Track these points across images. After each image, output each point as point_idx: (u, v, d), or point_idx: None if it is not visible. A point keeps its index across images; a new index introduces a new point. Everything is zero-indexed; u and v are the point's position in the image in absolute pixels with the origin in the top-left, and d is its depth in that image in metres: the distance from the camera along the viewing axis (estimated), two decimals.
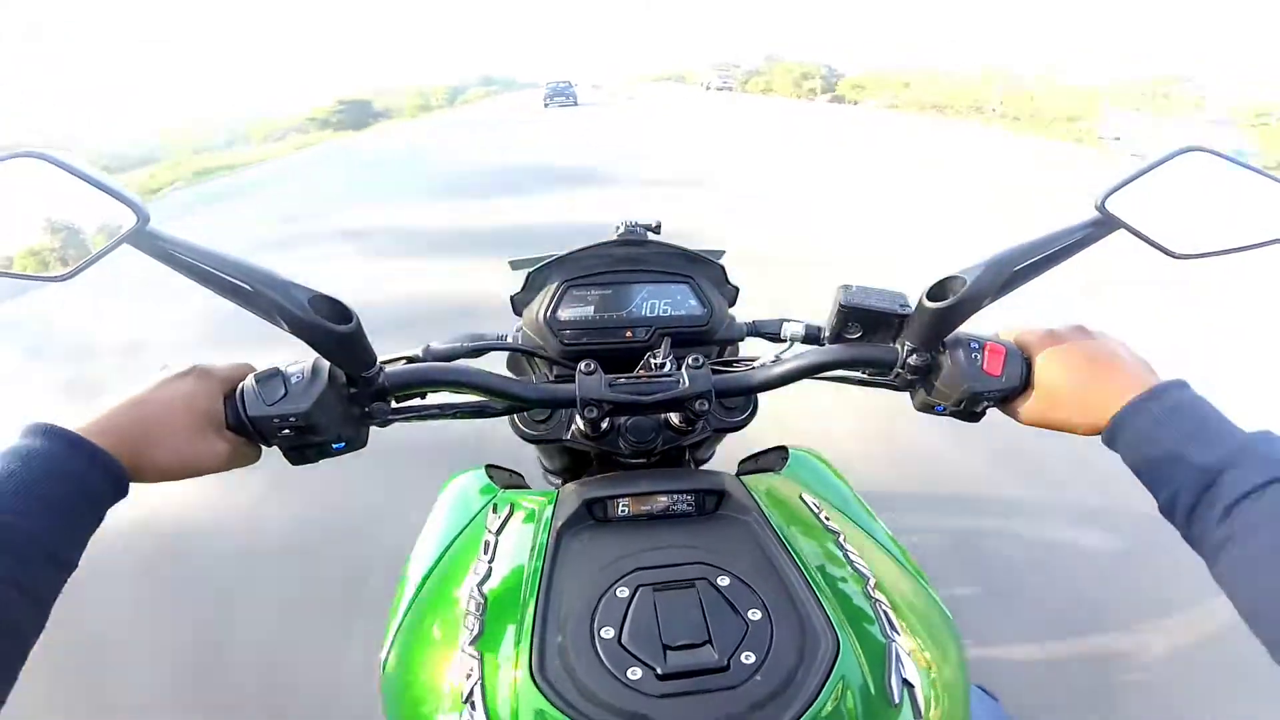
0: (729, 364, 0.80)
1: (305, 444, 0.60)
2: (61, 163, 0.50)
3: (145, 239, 0.53)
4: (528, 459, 1.06)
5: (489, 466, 0.84)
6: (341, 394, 0.61)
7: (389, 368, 0.65)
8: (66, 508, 0.45)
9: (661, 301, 0.85)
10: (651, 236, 0.90)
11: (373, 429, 0.67)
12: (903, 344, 0.63)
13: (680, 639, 0.51)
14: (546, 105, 29.17)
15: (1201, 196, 0.60)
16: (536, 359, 0.87)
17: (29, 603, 0.42)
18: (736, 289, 0.90)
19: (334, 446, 0.62)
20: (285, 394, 0.57)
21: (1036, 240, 0.59)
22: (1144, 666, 1.62)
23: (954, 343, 0.61)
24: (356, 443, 0.64)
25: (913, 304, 0.63)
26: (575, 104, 29.72)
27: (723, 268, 0.88)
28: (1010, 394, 0.61)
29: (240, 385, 0.59)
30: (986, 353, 0.60)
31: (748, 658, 0.50)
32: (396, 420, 0.67)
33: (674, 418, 0.77)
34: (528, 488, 0.87)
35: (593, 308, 0.84)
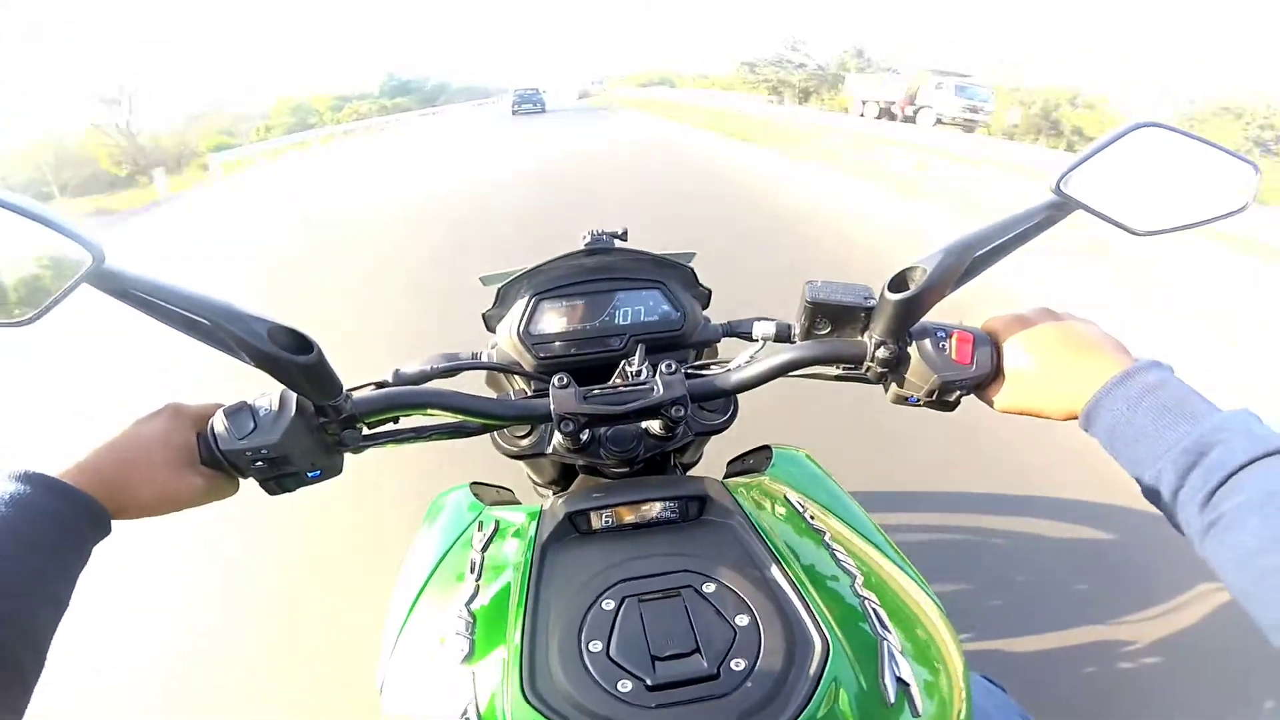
0: (704, 367, 0.80)
1: (280, 474, 0.60)
2: (9, 203, 0.50)
3: (102, 277, 0.52)
4: (517, 473, 1.06)
5: (474, 484, 0.84)
6: (311, 423, 0.60)
7: (356, 394, 0.64)
8: (53, 548, 0.46)
9: (634, 308, 0.85)
10: (619, 244, 0.90)
11: (348, 455, 0.66)
12: (870, 337, 0.63)
13: (668, 649, 0.51)
14: (515, 112, 29.78)
15: (1158, 172, 0.60)
16: (514, 375, 0.86)
17: (28, 643, 0.43)
18: (709, 291, 0.91)
19: (309, 475, 0.62)
20: (255, 427, 0.57)
21: (995, 225, 0.59)
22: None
23: (920, 332, 0.61)
24: (331, 471, 0.63)
25: (877, 296, 0.63)
26: (543, 110, 30.29)
27: (693, 270, 0.88)
28: (982, 381, 0.60)
29: (210, 421, 0.58)
30: (955, 341, 0.60)
31: (737, 664, 0.50)
32: (370, 446, 0.67)
33: (654, 425, 0.77)
34: (516, 502, 0.86)
35: (566, 319, 0.84)
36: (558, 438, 0.76)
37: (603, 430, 0.76)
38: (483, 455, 0.91)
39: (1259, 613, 0.42)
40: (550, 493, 1.03)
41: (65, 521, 0.48)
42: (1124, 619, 1.71)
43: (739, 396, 0.81)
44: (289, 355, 0.54)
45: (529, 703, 0.49)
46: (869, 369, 0.64)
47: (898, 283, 0.59)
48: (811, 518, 0.69)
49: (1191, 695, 1.52)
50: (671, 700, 0.48)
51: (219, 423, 0.58)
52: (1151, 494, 0.49)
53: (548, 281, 0.85)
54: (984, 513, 2.08)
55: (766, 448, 0.84)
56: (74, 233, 0.51)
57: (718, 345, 0.92)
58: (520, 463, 0.92)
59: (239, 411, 0.58)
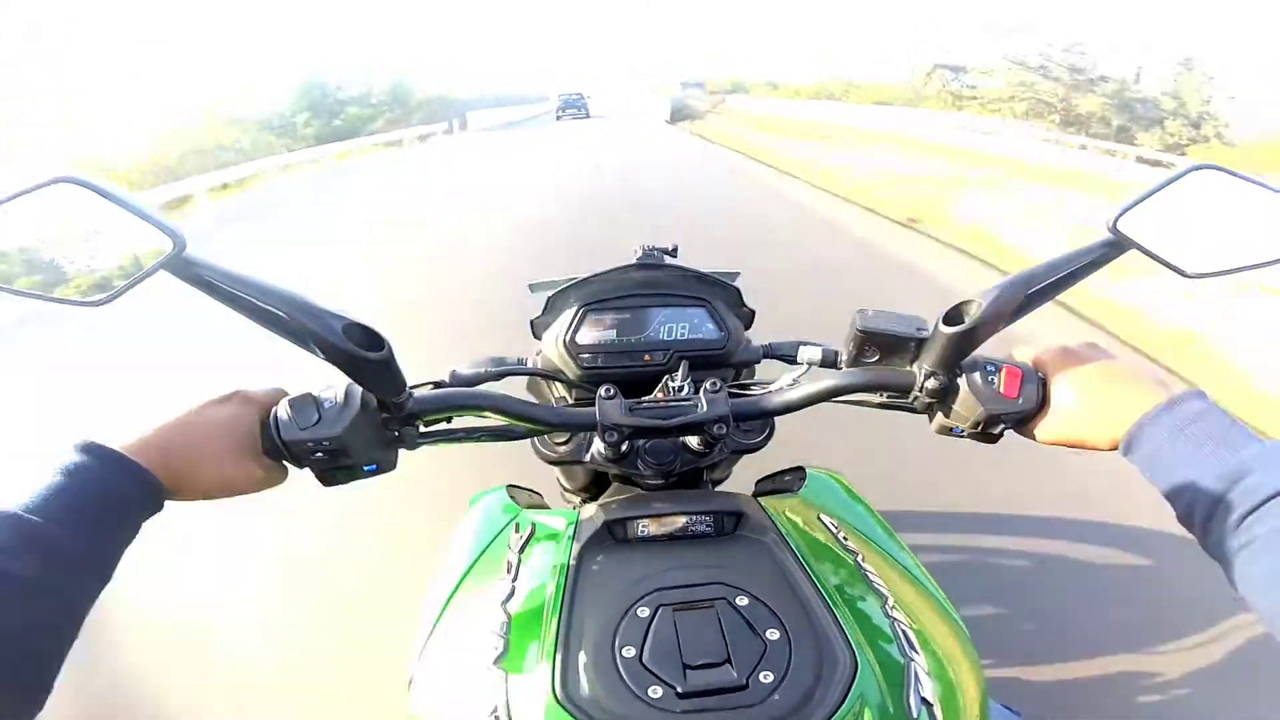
0: (745, 387, 0.81)
1: (337, 467, 0.61)
2: (98, 188, 0.52)
3: (181, 265, 0.54)
4: (546, 478, 1.07)
5: (510, 486, 0.85)
6: (373, 419, 0.62)
7: (417, 392, 0.66)
8: (107, 522, 0.47)
9: (679, 325, 0.86)
10: (669, 260, 0.92)
11: (401, 452, 0.67)
12: (920, 368, 0.64)
13: (700, 658, 0.52)
14: (559, 118, 29.90)
15: (1212, 215, 0.60)
16: (556, 382, 0.88)
17: (68, 612, 0.43)
18: (752, 312, 0.92)
19: (365, 469, 0.63)
20: (319, 419, 0.58)
21: (1050, 262, 0.60)
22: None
23: (970, 366, 0.62)
24: (386, 465, 0.65)
25: (929, 328, 0.64)
26: (587, 115, 30.02)
27: (738, 290, 0.89)
28: (1027, 415, 0.61)
29: (274, 410, 0.60)
30: (1003, 375, 0.61)
31: (766, 677, 0.50)
32: (425, 444, 0.69)
33: (692, 440, 0.78)
34: (547, 507, 0.87)
35: (612, 331, 0.86)
36: (598, 446, 0.77)
37: (642, 442, 0.77)
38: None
39: None
40: (579, 499, 1.04)
41: (122, 495, 0.48)
42: (1160, 649, 1.68)
43: (775, 420, 0.82)
44: (363, 352, 0.56)
45: (560, 705, 0.50)
46: (916, 399, 0.65)
47: (952, 316, 0.60)
48: (844, 539, 0.69)
49: None
50: (700, 708, 0.49)
51: (283, 411, 0.59)
52: (1185, 517, 0.50)
53: (596, 293, 0.87)
54: (1017, 535, 2.07)
55: (800, 469, 0.84)
56: (157, 220, 0.53)
57: (756, 367, 0.93)
58: (551, 467, 0.94)
59: (304, 403, 0.59)
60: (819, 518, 0.73)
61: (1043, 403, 0.61)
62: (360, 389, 0.61)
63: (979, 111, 18.93)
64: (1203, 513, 0.48)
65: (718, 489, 0.95)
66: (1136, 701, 1.57)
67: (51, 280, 0.58)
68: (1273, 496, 0.44)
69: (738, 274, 0.95)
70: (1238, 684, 1.59)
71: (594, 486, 0.99)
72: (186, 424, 0.55)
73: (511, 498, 0.82)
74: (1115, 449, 0.56)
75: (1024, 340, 0.66)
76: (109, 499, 0.47)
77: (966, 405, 0.62)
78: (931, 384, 0.62)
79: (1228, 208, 0.60)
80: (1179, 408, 0.52)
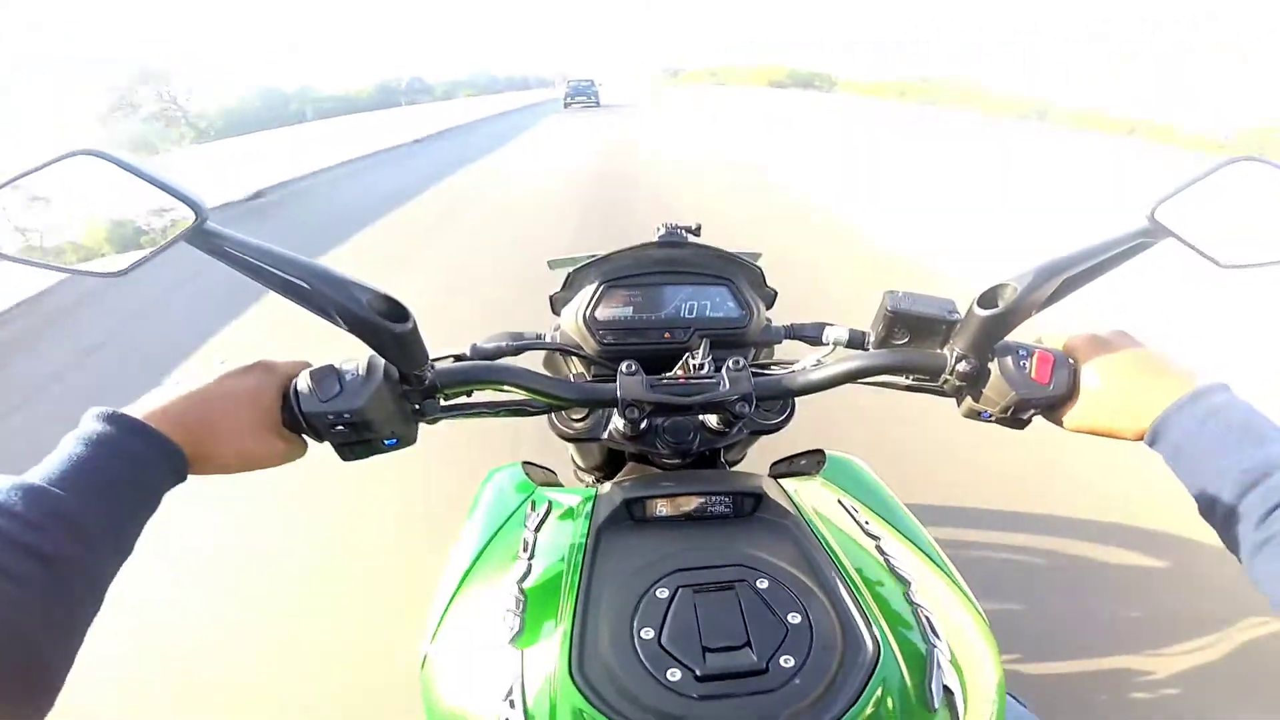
0: (765, 366, 0.81)
1: (358, 440, 0.61)
2: (120, 160, 0.51)
3: (203, 236, 0.53)
4: (559, 458, 1.07)
5: (525, 463, 0.85)
6: (395, 391, 0.61)
7: (439, 365, 0.66)
8: (129, 493, 0.47)
9: (700, 303, 0.85)
10: (691, 238, 0.91)
11: (422, 426, 0.67)
12: (951, 350, 0.63)
13: (719, 641, 0.51)
14: (567, 105, 28.44)
15: (1251, 206, 0.60)
16: (574, 358, 0.88)
17: (89, 583, 0.43)
18: (774, 292, 0.91)
19: (385, 443, 0.62)
20: (340, 391, 0.58)
21: (1086, 249, 0.59)
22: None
23: (1003, 350, 0.61)
24: (407, 439, 0.64)
25: (961, 310, 0.63)
26: (597, 104, 28.46)
27: (761, 270, 0.88)
28: (1056, 402, 0.61)
29: (294, 381, 0.59)
30: (1036, 360, 0.60)
31: (787, 661, 0.50)
32: (445, 417, 0.68)
33: (712, 419, 0.77)
34: (561, 485, 0.87)
35: (632, 308, 0.85)
36: (617, 423, 0.77)
37: (661, 420, 0.77)
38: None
39: None
40: (593, 478, 1.04)
41: (145, 465, 0.48)
42: (1172, 649, 1.69)
43: (796, 400, 0.82)
44: (386, 323, 0.55)
45: (575, 685, 0.49)
46: (946, 382, 0.64)
47: (987, 299, 0.59)
48: (865, 523, 0.69)
49: None
50: (719, 692, 0.48)
51: (303, 383, 0.58)
52: (1207, 510, 0.50)
53: (617, 270, 0.86)
54: (1036, 533, 2.06)
55: (819, 451, 0.84)
56: (179, 191, 0.52)
57: (775, 347, 0.92)
58: (565, 445, 0.94)
59: (325, 374, 0.59)
60: (840, 501, 0.73)
61: (1073, 390, 0.60)
62: (383, 361, 0.60)
63: None
64: (1224, 507, 0.48)
65: (735, 470, 0.95)
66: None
67: (74, 251, 0.58)
68: None
69: (760, 254, 0.94)
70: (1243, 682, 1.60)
71: (609, 465, 0.99)
72: (209, 394, 0.54)
73: (527, 474, 0.82)
74: (1141, 439, 0.56)
75: (1053, 326, 0.66)
76: (131, 469, 0.47)
77: (997, 389, 0.61)
78: (963, 367, 0.62)
79: (1266, 200, 0.60)
80: (1204, 399, 0.52)
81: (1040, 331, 0.66)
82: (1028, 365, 0.60)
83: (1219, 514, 0.49)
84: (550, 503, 0.74)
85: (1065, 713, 1.52)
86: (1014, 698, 0.79)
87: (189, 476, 0.53)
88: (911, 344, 0.68)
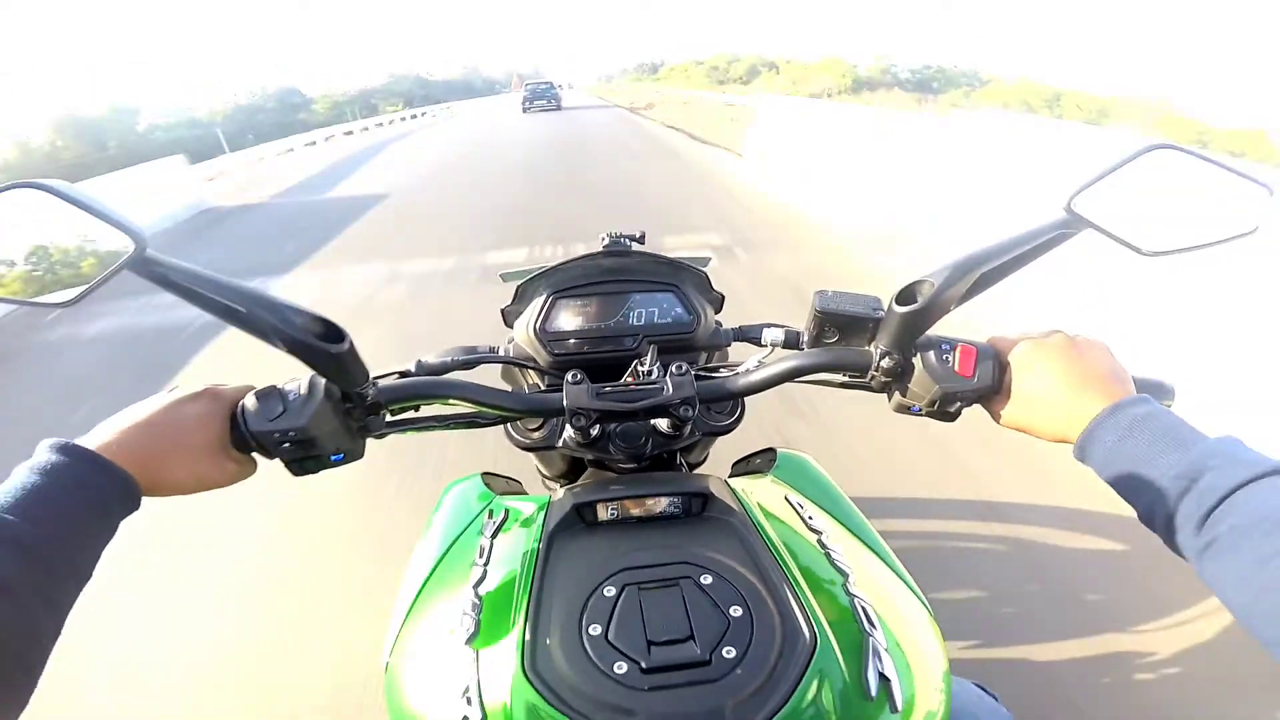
0: (715, 369, 0.82)
1: (305, 456, 0.63)
2: (61, 192, 0.52)
3: (145, 264, 0.55)
4: (527, 466, 1.09)
5: (485, 474, 0.87)
6: (337, 409, 0.63)
7: (381, 382, 0.67)
8: (83, 520, 0.48)
9: (648, 310, 0.87)
10: (636, 247, 0.92)
11: (370, 440, 0.69)
12: (876, 347, 0.65)
13: (664, 635, 0.53)
14: (525, 110, 27.23)
15: (1169, 193, 0.60)
16: (528, 370, 0.89)
17: (49, 610, 0.44)
18: (722, 296, 0.92)
19: (332, 458, 0.64)
20: (284, 410, 0.60)
21: (1004, 242, 0.60)
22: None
23: (925, 345, 0.63)
24: (354, 454, 0.66)
25: (885, 308, 0.64)
26: (559, 108, 27.45)
27: (707, 276, 0.90)
28: (985, 394, 0.62)
29: (241, 403, 0.61)
30: (958, 354, 0.62)
31: (729, 652, 0.52)
32: (391, 432, 0.70)
33: (662, 423, 0.79)
34: (524, 493, 0.89)
35: (581, 318, 0.86)
36: (569, 432, 0.78)
37: (613, 426, 0.78)
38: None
39: (1259, 630, 0.43)
40: (558, 485, 1.05)
41: (97, 494, 0.49)
42: (1134, 630, 1.70)
43: (745, 400, 0.83)
44: (322, 344, 0.57)
45: (529, 682, 0.51)
46: (873, 378, 0.66)
47: (905, 296, 0.61)
48: (810, 518, 0.70)
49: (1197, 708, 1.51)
50: (665, 684, 0.50)
51: (250, 403, 0.61)
52: (1148, 519, 0.51)
53: (565, 280, 0.87)
54: (995, 520, 2.08)
55: (771, 450, 0.86)
56: (119, 220, 0.53)
57: (728, 349, 0.94)
58: (530, 455, 0.95)
59: (269, 395, 0.61)
60: (786, 498, 0.75)
61: (1000, 384, 0.62)
62: (324, 380, 0.62)
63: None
64: (1163, 514, 0.48)
65: (695, 471, 0.97)
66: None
67: (20, 284, 0.60)
68: (1229, 494, 0.45)
69: (708, 259, 0.96)
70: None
71: (571, 473, 1.00)
72: (159, 422, 0.57)
73: (487, 485, 0.84)
74: (1066, 443, 0.57)
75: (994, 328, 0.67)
76: (85, 498, 0.48)
77: (922, 384, 0.63)
78: (887, 363, 0.63)
79: (1183, 185, 0.60)
80: (1124, 411, 0.53)
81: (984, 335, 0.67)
82: (950, 359, 0.62)
83: (1158, 522, 0.49)
84: (507, 510, 0.75)
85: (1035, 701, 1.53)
86: (982, 688, 0.80)
87: (143, 500, 0.54)
88: (841, 342, 0.69)
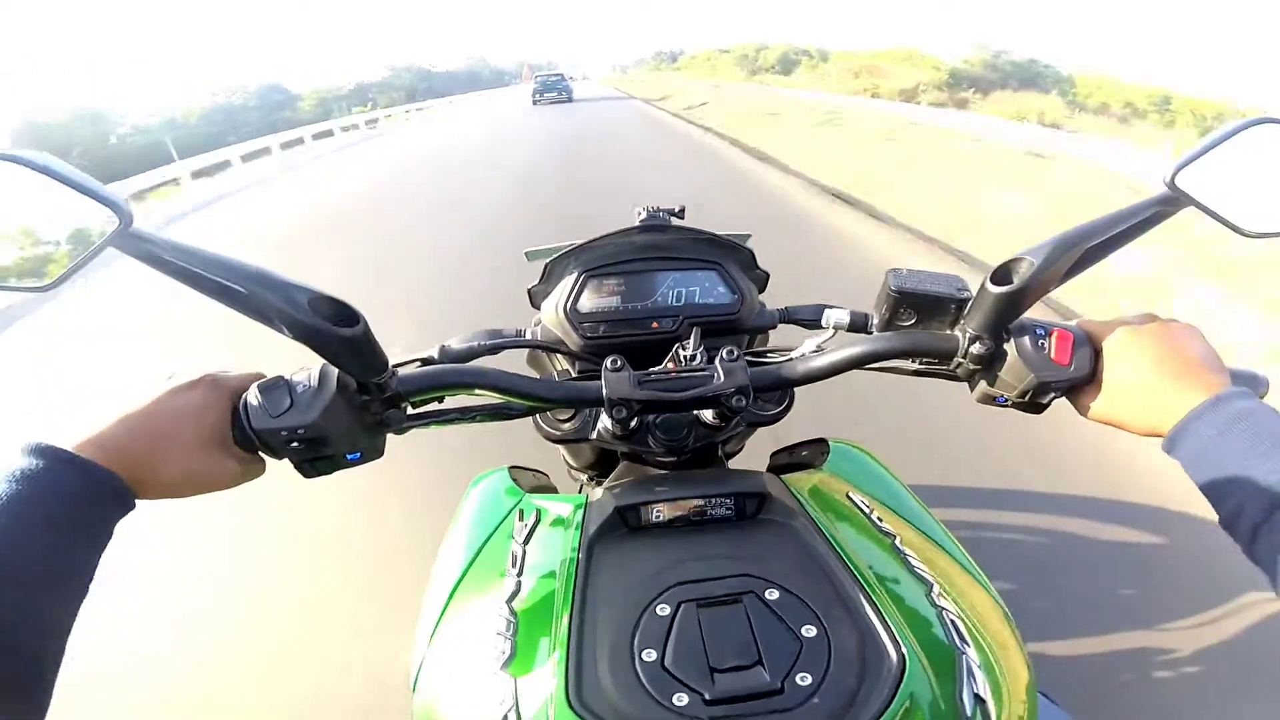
0: (761, 354, 0.77)
1: (316, 456, 0.56)
2: (38, 164, 0.47)
3: (130, 241, 0.49)
4: (551, 453, 1.02)
5: (512, 468, 0.81)
6: (352, 402, 0.56)
7: (402, 371, 0.61)
8: (71, 528, 0.44)
9: (688, 289, 0.81)
10: (675, 222, 0.86)
11: (390, 436, 0.62)
12: (963, 331, 0.59)
13: (728, 660, 0.49)
14: (535, 102, 26.73)
15: (1273, 170, 0.56)
16: (557, 354, 0.83)
17: (46, 631, 0.41)
18: (766, 274, 0.87)
19: (347, 458, 0.58)
20: (291, 404, 0.53)
21: (1104, 219, 0.56)
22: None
23: (1019, 329, 0.57)
24: (372, 453, 0.60)
25: (972, 288, 0.59)
26: (570, 100, 26.94)
27: (751, 252, 0.84)
28: (1077, 384, 0.57)
29: (244, 396, 0.54)
30: (1054, 340, 0.56)
31: (804, 679, 0.47)
32: (414, 427, 0.64)
33: (707, 414, 0.74)
34: (553, 488, 0.84)
35: (616, 298, 0.81)
36: (605, 423, 0.73)
37: (653, 417, 0.73)
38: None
39: None
40: (586, 478, 1.01)
41: (85, 500, 0.45)
42: (1171, 626, 1.68)
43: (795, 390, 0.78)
44: (331, 327, 0.50)
45: (575, 713, 0.46)
46: (959, 365, 0.60)
47: (1001, 275, 0.55)
48: (878, 519, 0.66)
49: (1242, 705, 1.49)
50: (731, 714, 0.46)
51: (253, 397, 0.54)
52: (1230, 522, 0.48)
53: (597, 258, 0.81)
54: (1028, 511, 2.05)
55: (822, 441, 0.80)
56: (101, 194, 0.48)
57: (769, 332, 0.88)
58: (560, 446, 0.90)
59: (275, 387, 0.54)
60: (848, 495, 0.70)
61: (1093, 374, 0.57)
62: (336, 370, 0.55)
63: None
64: (1249, 519, 0.45)
65: (732, 465, 0.92)
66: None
67: None
68: None
69: (749, 235, 0.90)
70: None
71: (601, 464, 0.95)
72: (150, 414, 0.51)
73: (514, 480, 0.78)
74: (1158, 437, 0.53)
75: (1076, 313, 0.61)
76: (69, 504, 0.44)
77: (1014, 372, 0.57)
78: (977, 349, 0.58)
79: None
80: (1226, 405, 0.49)
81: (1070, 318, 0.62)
82: (1047, 345, 0.56)
83: (1243, 530, 0.46)
84: (539, 511, 0.70)
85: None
86: (1046, 697, 0.77)
87: (138, 503, 0.49)
88: (919, 325, 0.64)
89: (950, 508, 2.05)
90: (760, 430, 0.90)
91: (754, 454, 0.97)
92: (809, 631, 0.50)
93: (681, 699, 0.46)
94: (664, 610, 0.53)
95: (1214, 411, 0.49)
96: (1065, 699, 0.74)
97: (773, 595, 0.53)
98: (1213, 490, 0.49)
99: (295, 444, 0.54)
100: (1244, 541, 0.47)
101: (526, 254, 0.96)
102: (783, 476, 0.72)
